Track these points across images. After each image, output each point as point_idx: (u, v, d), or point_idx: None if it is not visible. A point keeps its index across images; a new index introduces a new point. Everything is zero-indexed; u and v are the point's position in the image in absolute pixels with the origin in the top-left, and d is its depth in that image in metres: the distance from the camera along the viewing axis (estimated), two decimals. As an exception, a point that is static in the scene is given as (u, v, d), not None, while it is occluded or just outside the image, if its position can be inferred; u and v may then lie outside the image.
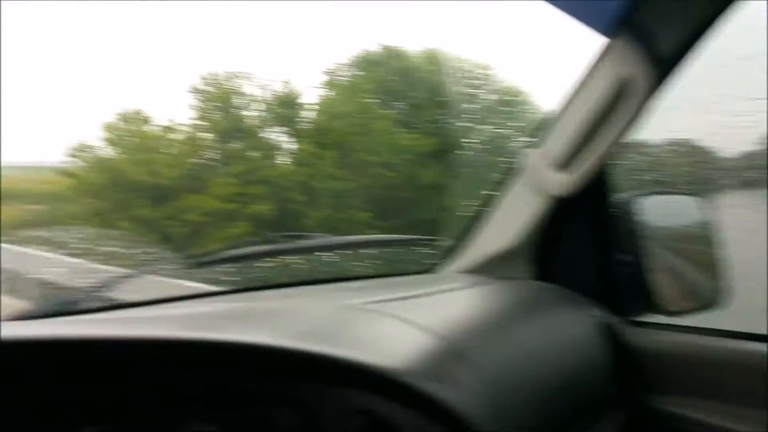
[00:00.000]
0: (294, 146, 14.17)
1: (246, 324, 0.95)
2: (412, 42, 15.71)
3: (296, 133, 14.12)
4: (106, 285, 1.23)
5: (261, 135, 13.97)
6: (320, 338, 0.87)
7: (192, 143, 13.51)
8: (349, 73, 15.57)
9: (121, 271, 1.32)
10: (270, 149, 13.90)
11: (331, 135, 13.87)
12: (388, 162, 13.82)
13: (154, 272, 1.44)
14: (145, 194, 12.78)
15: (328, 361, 0.80)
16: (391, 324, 0.97)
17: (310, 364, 0.81)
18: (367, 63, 15.52)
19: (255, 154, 13.47)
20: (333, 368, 0.81)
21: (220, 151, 13.54)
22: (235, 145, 13.66)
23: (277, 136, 14.17)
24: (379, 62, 15.48)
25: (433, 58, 13.92)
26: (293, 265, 1.80)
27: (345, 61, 15.75)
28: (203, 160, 13.44)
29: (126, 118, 13.45)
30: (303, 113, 14.31)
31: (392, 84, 14.99)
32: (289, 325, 0.92)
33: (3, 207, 19.21)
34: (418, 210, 12.76)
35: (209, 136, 13.79)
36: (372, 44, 15.55)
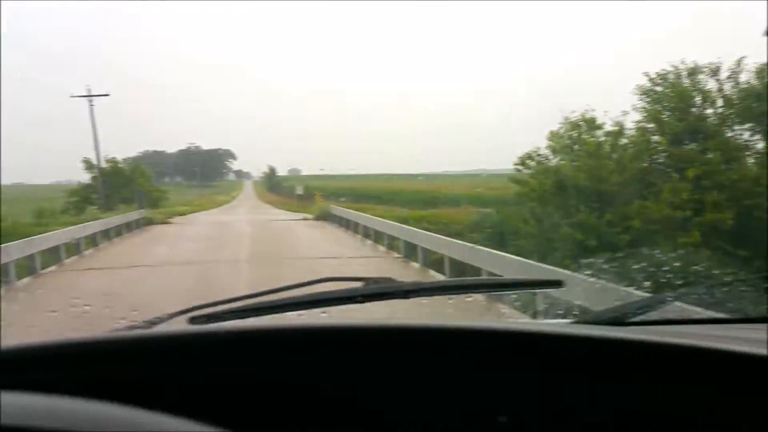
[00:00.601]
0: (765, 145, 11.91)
1: None
2: None
3: (770, 130, 11.84)
4: (649, 304, 1.20)
5: (722, 134, 12.20)
6: None
7: (639, 147, 12.77)
8: None
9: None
10: (733, 150, 12.01)
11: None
12: None
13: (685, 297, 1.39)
14: (587, 200, 12.69)
15: None
16: None
17: None
18: None
19: (713, 156, 11.83)
20: None
21: (671, 155, 12.38)
22: (690, 147, 12.30)
23: (744, 134, 12.16)
24: None
25: None
26: None
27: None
28: (652, 165, 12.54)
29: (572, 125, 13.65)
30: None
31: None
32: None
33: (455, 210, 22.20)
34: None
35: (659, 138, 12.80)
36: None
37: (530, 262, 8.05)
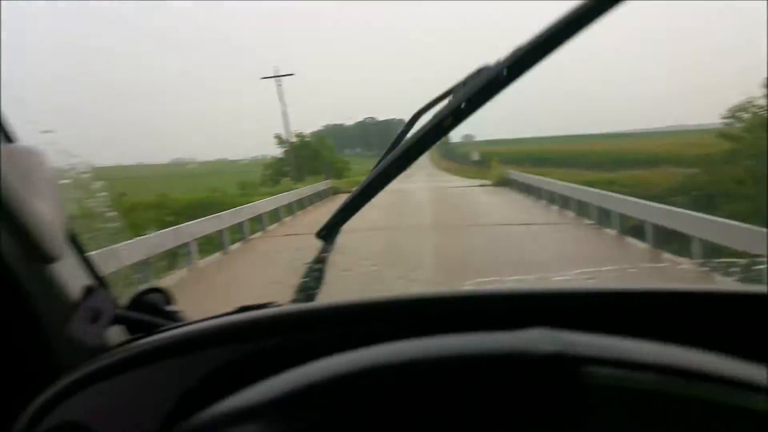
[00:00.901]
0: None
1: None
2: None
3: None
4: None
5: None
6: None
7: None
8: None
9: None
10: None
11: None
12: None
13: None
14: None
15: None
16: None
17: None
18: None
19: None
20: None
21: None
22: None
23: None
24: None
25: None
26: None
27: None
28: None
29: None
30: None
31: None
32: None
33: (650, 171, 20.27)
34: None
35: None
36: None
37: (751, 227, 7.01)
